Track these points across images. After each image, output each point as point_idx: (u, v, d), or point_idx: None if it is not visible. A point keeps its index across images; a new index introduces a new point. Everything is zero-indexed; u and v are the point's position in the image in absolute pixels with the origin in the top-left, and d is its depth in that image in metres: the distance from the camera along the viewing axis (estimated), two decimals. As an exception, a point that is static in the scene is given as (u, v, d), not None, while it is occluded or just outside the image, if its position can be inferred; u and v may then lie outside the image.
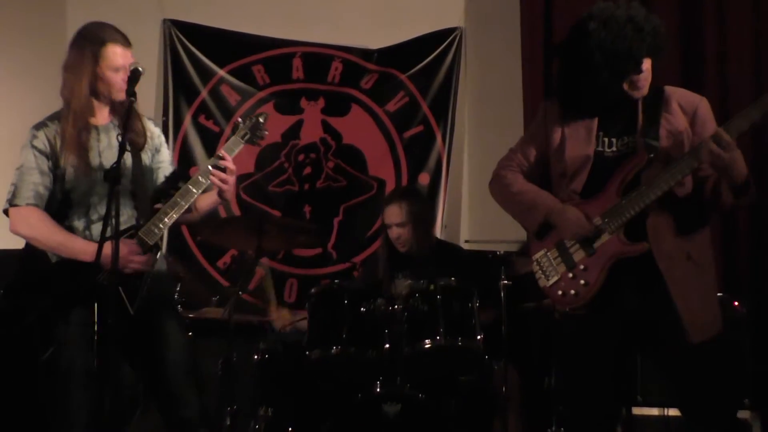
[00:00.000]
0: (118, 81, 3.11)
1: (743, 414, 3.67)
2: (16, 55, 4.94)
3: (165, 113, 5.33)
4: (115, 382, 2.76)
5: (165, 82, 5.35)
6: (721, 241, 4.44)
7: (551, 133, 2.93)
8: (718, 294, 3.86)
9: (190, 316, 4.26)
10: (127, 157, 3.10)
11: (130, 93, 2.96)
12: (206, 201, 3.23)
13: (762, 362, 3.88)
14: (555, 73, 2.96)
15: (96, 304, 2.89)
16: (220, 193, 3.13)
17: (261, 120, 3.15)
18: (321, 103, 5.42)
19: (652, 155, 2.76)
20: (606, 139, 2.85)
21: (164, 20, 5.36)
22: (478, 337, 3.74)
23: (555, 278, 2.88)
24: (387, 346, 3.76)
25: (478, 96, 5.42)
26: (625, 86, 2.80)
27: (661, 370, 3.06)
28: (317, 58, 5.43)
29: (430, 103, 5.38)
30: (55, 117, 3.12)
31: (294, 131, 5.40)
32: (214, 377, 4.11)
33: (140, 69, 3.00)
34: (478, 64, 5.41)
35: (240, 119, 3.18)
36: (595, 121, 2.86)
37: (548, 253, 2.91)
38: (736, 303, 3.90)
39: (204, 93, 5.36)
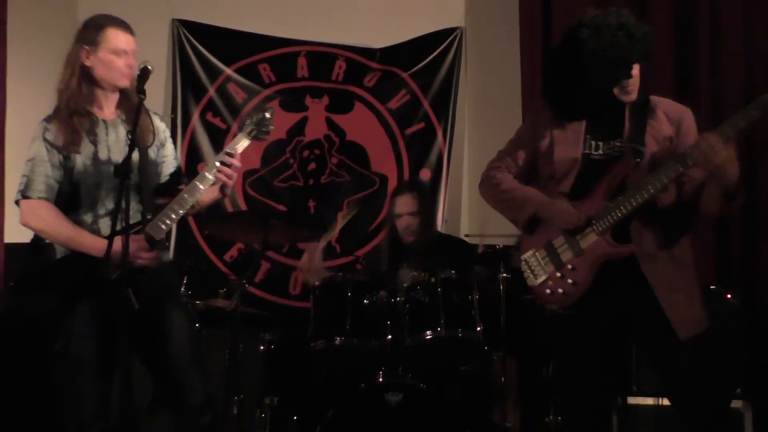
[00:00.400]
0: (119, 65, 3.06)
1: (736, 403, 3.67)
2: (29, 52, 4.93)
3: (173, 111, 5.32)
4: (123, 373, 2.74)
5: (173, 80, 5.34)
6: (715, 235, 4.44)
7: (540, 136, 2.94)
8: (712, 287, 3.92)
9: (197, 303, 4.23)
10: (134, 152, 3.09)
11: (140, 91, 2.93)
12: (208, 196, 3.19)
13: (754, 353, 3.88)
14: (547, 78, 2.97)
15: (103, 297, 2.89)
16: (223, 189, 3.11)
17: (267, 115, 3.11)
18: (325, 100, 5.41)
19: (638, 160, 2.77)
20: (593, 143, 2.86)
21: (173, 20, 5.36)
22: (478, 328, 3.75)
23: (543, 277, 2.89)
24: (389, 337, 3.77)
25: (478, 94, 5.42)
26: (616, 91, 2.82)
27: (650, 363, 3.08)
28: (321, 57, 5.43)
29: (431, 100, 5.38)
30: (55, 112, 3.07)
31: (299, 128, 5.39)
32: (220, 367, 4.12)
33: (150, 67, 2.98)
34: (478, 63, 5.41)
35: (246, 116, 3.14)
36: (583, 125, 2.87)
37: (536, 253, 2.92)
38: (729, 296, 3.90)
39: (211, 91, 5.36)
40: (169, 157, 3.27)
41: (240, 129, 3.12)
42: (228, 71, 5.37)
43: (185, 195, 3.03)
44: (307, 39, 5.43)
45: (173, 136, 3.39)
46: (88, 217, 3.06)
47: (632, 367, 3.82)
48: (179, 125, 5.30)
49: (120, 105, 3.16)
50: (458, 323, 3.73)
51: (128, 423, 2.82)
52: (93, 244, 2.98)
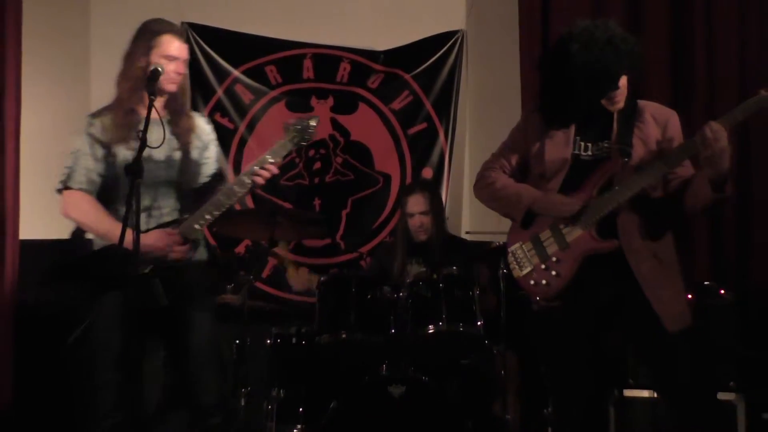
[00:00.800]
0: (169, 71, 3.08)
1: (729, 396, 3.67)
2: (43, 53, 4.94)
3: (183, 111, 5.33)
4: (133, 375, 2.73)
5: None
6: (708, 231, 4.44)
7: (532, 138, 2.96)
8: (705, 283, 3.92)
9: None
10: (177, 152, 3.10)
11: (150, 91, 2.93)
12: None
13: (747, 347, 3.88)
14: (538, 87, 3.00)
15: (131, 291, 2.88)
16: (252, 190, 3.12)
17: (313, 123, 3.08)
18: (330, 101, 5.41)
19: (626, 159, 2.80)
20: (583, 144, 2.88)
21: (182, 23, 5.34)
22: (479, 323, 3.75)
23: (528, 269, 2.90)
24: (392, 331, 3.77)
25: (478, 95, 5.43)
26: (603, 101, 2.86)
27: (639, 357, 3.09)
28: (327, 59, 5.43)
29: (433, 101, 5.38)
30: (107, 108, 3.09)
31: (305, 128, 5.39)
32: (229, 360, 4.12)
33: (160, 69, 2.99)
34: (479, 65, 5.42)
35: (291, 123, 3.10)
36: (572, 128, 2.90)
37: (523, 246, 2.93)
38: (722, 291, 3.89)
39: (219, 92, 5.35)
40: (210, 159, 3.27)
41: (285, 134, 3.09)
42: (236, 73, 5.36)
43: (221, 197, 3.03)
44: (312, 42, 5.42)
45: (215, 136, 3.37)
46: (124, 211, 3.07)
47: (628, 360, 3.82)
48: (188, 125, 5.30)
49: (167, 105, 3.17)
50: (459, 318, 3.72)
51: (138, 424, 2.83)
52: (127, 238, 2.98)
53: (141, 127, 2.98)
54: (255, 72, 5.40)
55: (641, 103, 2.94)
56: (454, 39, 5.38)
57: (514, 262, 2.95)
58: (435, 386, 3.68)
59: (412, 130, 5.40)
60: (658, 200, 2.84)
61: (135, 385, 2.76)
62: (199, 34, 5.35)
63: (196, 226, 3.03)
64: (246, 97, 5.38)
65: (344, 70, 5.42)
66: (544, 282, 2.86)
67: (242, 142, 5.35)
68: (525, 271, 2.91)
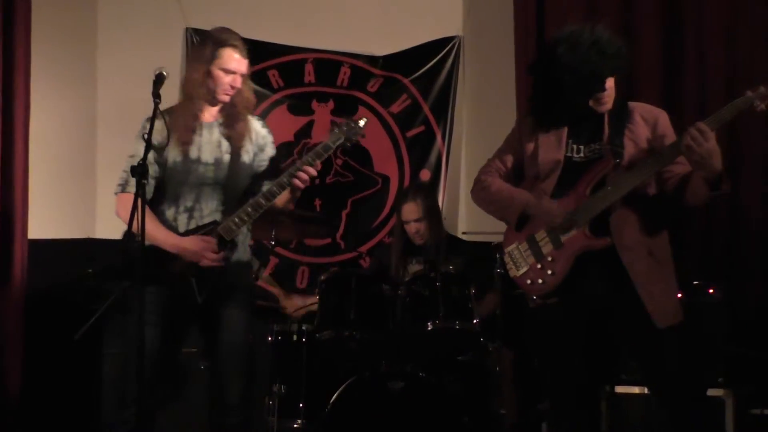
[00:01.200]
0: (225, 83, 3.10)
1: (717, 392, 3.67)
2: (51, 55, 4.93)
3: (187, 114, 5.32)
4: (139, 373, 2.72)
5: (187, 85, 5.33)
6: (698, 231, 4.43)
7: (525, 143, 2.97)
8: (695, 282, 3.91)
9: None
10: (227, 155, 3.10)
11: (155, 95, 2.91)
12: (281, 200, 3.15)
13: (735, 344, 3.88)
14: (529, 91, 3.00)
15: (168, 289, 2.93)
16: (293, 191, 3.10)
17: (361, 124, 3.09)
18: (331, 105, 5.41)
19: (618, 160, 2.79)
20: (575, 146, 2.88)
21: (186, 29, 5.34)
22: (475, 320, 3.75)
23: (524, 269, 2.90)
24: (391, 328, 3.77)
25: (475, 99, 5.43)
26: (591, 103, 2.85)
27: (629, 353, 3.08)
28: (327, 63, 5.43)
29: (430, 105, 5.38)
30: (167, 111, 3.05)
31: (306, 131, 5.39)
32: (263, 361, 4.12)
33: (165, 73, 2.96)
34: (476, 70, 5.42)
35: (339, 124, 3.10)
36: (564, 131, 2.90)
37: (519, 246, 2.93)
38: (711, 290, 3.89)
39: (223, 95, 5.35)
40: (264, 162, 3.24)
41: (329, 135, 3.10)
42: (239, 77, 5.36)
43: (260, 199, 3.02)
44: (313, 47, 5.43)
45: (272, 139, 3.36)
46: (170, 212, 3.08)
47: (621, 356, 3.81)
48: (192, 128, 5.29)
49: (222, 109, 3.18)
50: (456, 315, 3.73)
51: (143, 422, 2.83)
52: (165, 240, 2.98)
53: (197, 131, 3.02)
54: (258, 76, 5.32)
55: (631, 104, 2.93)
56: (451, 44, 5.39)
57: (511, 263, 2.95)
58: (433, 382, 3.68)
59: (411, 133, 5.40)
60: (654, 197, 2.83)
61: (140, 388, 2.77)
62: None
63: (234, 227, 3.02)
64: (249, 100, 5.37)
65: (344, 74, 5.42)
66: (540, 281, 2.86)
67: (245, 144, 5.33)
68: (521, 271, 2.91)
